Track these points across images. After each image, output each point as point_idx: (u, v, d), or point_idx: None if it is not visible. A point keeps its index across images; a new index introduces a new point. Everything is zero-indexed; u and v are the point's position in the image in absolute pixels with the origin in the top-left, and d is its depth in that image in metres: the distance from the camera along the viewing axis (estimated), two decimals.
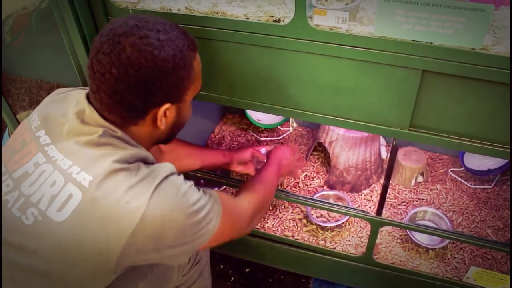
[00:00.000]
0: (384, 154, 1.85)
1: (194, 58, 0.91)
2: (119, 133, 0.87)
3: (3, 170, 0.89)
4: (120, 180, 0.81)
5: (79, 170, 0.82)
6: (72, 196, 0.80)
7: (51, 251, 0.80)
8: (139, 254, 0.82)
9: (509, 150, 1.01)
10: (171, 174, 0.88)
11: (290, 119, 2.07)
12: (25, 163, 0.87)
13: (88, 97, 0.89)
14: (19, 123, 1.67)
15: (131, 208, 0.79)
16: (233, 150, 1.56)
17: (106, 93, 0.84)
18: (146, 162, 0.89)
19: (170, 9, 1.08)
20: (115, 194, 0.80)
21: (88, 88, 0.94)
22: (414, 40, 0.90)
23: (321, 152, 1.93)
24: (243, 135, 2.06)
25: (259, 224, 1.69)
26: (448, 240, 1.56)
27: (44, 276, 0.82)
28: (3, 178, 0.88)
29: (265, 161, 1.44)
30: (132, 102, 0.85)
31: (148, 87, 0.84)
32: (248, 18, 1.01)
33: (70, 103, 0.90)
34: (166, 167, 0.88)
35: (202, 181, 1.85)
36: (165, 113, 0.90)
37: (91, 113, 0.86)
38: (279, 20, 1.00)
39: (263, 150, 1.56)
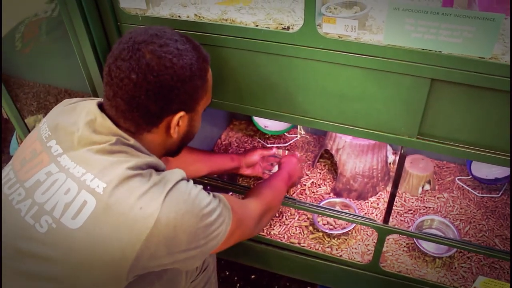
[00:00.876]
0: (391, 158, 1.84)
1: (207, 70, 0.95)
2: (132, 141, 0.88)
3: (15, 179, 0.89)
4: (133, 186, 0.82)
5: (93, 177, 0.82)
6: (86, 203, 0.81)
7: (66, 258, 0.81)
8: (153, 259, 0.83)
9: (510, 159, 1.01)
10: (182, 179, 0.89)
11: (298, 126, 2.07)
12: (36, 172, 0.87)
13: (99, 106, 0.91)
14: (27, 127, 1.68)
15: (145, 214, 0.80)
16: (241, 154, 1.57)
17: (123, 99, 0.85)
18: (157, 169, 0.90)
19: (179, 16, 1.09)
20: (129, 200, 0.81)
21: (96, 98, 0.95)
22: (423, 49, 0.90)
23: (328, 159, 1.92)
24: (249, 142, 2.06)
25: (265, 231, 1.69)
26: (455, 249, 1.56)
27: (58, 283, 0.82)
28: (16, 187, 0.88)
29: (274, 166, 1.46)
30: (149, 108, 0.86)
31: (166, 94, 0.86)
32: (257, 26, 1.02)
33: (80, 113, 0.91)
34: (176, 173, 0.89)
35: (208, 187, 1.86)
36: (178, 122, 0.92)
37: (104, 121, 0.87)
38: (288, 28, 1.00)
39: (273, 151, 1.61)
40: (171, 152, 1.02)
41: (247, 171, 1.62)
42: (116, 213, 0.80)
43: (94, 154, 0.85)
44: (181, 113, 0.91)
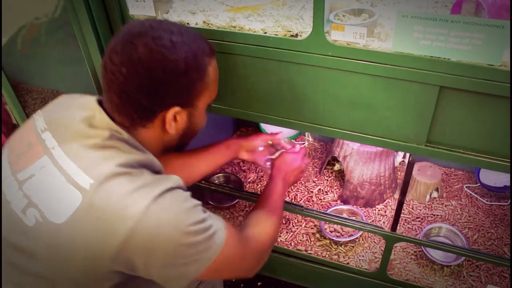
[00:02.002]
0: (399, 159, 1.82)
1: (209, 64, 0.90)
2: (125, 135, 0.86)
3: (9, 171, 0.88)
4: (120, 184, 0.79)
5: (81, 172, 0.80)
6: (72, 198, 0.79)
7: (49, 254, 0.79)
8: (131, 265, 0.80)
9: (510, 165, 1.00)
10: (177, 187, 0.85)
11: (306, 133, 2.07)
12: (30, 165, 0.86)
13: (99, 101, 0.89)
14: None
15: (127, 215, 0.77)
16: (240, 137, 1.41)
17: (116, 93, 0.84)
18: (152, 169, 0.87)
19: (188, 23, 1.09)
20: (114, 198, 0.78)
21: (96, 95, 0.93)
22: (432, 56, 0.90)
23: (335, 166, 1.92)
24: None
25: None
26: (463, 257, 1.54)
27: (42, 279, 0.80)
28: (10, 179, 0.87)
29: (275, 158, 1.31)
30: (141, 102, 0.84)
31: (157, 88, 0.83)
32: (265, 33, 1.02)
33: (78, 107, 0.89)
34: (172, 178, 0.85)
35: (214, 194, 1.85)
36: (175, 118, 0.89)
37: (100, 116, 0.86)
38: (296, 35, 1.00)
39: (280, 136, 1.40)
40: (170, 148, 0.98)
41: (246, 156, 1.41)
42: (99, 211, 0.77)
43: (87, 148, 0.83)
44: (176, 108, 0.87)
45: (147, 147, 0.90)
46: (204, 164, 1.33)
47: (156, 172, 0.89)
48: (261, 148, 1.38)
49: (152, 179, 0.82)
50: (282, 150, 1.35)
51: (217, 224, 0.87)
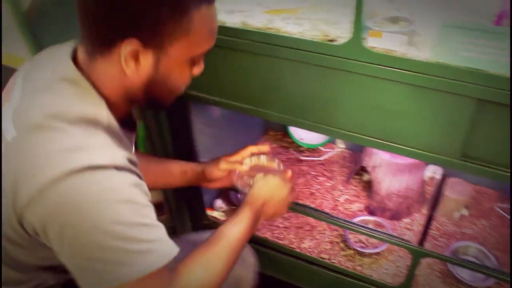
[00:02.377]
0: (428, 175, 1.78)
1: (196, 8, 0.73)
2: (77, 77, 0.76)
3: None
4: (42, 140, 0.69)
5: (10, 122, 0.73)
6: None
7: None
8: (39, 233, 0.71)
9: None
10: (117, 167, 0.70)
11: (336, 140, 2.06)
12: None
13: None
14: None
15: (35, 180, 0.66)
16: (205, 163, 1.22)
17: (79, 8, 0.74)
18: (97, 124, 0.74)
19: (224, 23, 1.10)
20: (29, 154, 0.69)
21: None
22: (471, 67, 0.88)
23: (364, 176, 1.90)
24: (284, 153, 2.06)
25: (295, 244, 1.67)
26: (492, 280, 1.49)
27: None
28: None
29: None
30: (97, 23, 0.72)
31: (115, 8, 0.70)
32: (302, 36, 1.02)
33: (60, 47, 0.84)
34: (118, 154, 0.72)
35: (239, 195, 1.85)
36: (137, 57, 0.74)
37: (62, 51, 0.79)
38: (333, 40, 1.00)
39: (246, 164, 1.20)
40: (136, 99, 0.82)
41: (211, 185, 1.23)
42: (13, 167, 0.70)
43: (29, 90, 0.76)
44: (134, 42, 0.71)
45: (104, 90, 0.78)
46: (151, 179, 1.10)
47: (104, 128, 0.75)
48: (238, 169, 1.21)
49: (86, 144, 0.69)
50: (260, 174, 1.14)
51: (161, 247, 0.73)
